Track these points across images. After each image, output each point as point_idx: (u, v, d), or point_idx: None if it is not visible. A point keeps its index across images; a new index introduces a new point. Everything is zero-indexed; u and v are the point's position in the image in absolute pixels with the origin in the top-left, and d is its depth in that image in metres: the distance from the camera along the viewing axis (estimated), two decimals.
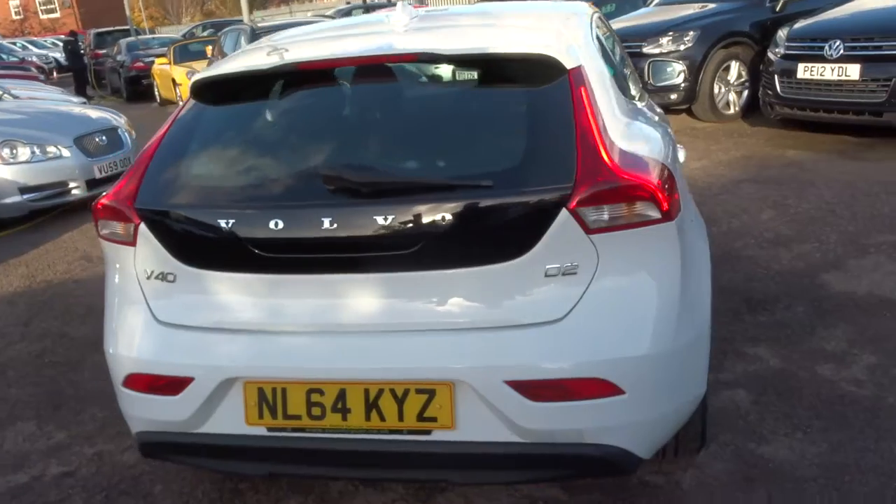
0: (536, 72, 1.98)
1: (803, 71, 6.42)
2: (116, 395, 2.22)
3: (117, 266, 2.16)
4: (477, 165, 1.92)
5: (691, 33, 7.54)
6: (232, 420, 1.99)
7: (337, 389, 1.91)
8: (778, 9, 8.02)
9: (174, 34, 27.04)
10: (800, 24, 6.81)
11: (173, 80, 13.36)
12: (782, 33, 6.85)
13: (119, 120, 7.26)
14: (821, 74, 6.27)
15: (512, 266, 1.82)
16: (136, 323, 2.09)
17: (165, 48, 16.95)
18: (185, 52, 14.08)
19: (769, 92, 6.79)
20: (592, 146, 1.83)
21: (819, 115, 6.43)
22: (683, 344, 1.91)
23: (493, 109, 2.04)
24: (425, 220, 1.81)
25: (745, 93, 7.80)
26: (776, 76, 6.63)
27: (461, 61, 2.04)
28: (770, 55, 6.90)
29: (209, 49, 13.91)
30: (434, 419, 1.87)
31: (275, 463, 2.05)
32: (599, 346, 1.81)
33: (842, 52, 6.11)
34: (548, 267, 1.82)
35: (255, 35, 9.30)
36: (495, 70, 2.04)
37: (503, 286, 1.85)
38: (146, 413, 2.10)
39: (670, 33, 7.62)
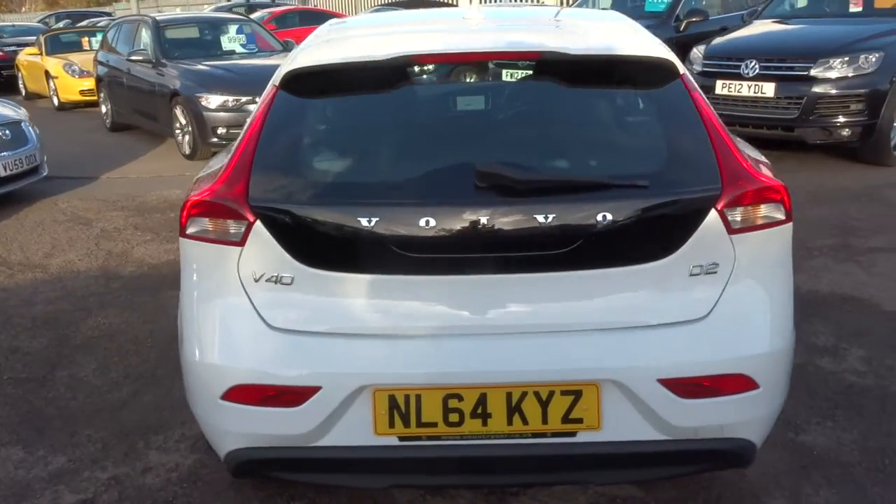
0: (654, 75, 2.02)
1: (721, 87, 6.90)
2: (201, 409, 2.03)
3: (212, 268, 1.98)
4: (627, 166, 1.93)
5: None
6: (357, 430, 1.88)
7: (477, 394, 1.85)
8: (682, 28, 8.62)
9: (19, 22, 24.98)
10: (716, 43, 7.32)
11: (47, 73, 12.29)
12: (698, 52, 7.33)
13: (20, 113, 6.61)
14: (738, 91, 6.77)
15: (660, 265, 1.85)
16: (241, 330, 1.93)
17: (24, 38, 15.59)
18: (58, 43, 13.01)
19: None
20: (727, 148, 1.90)
21: (735, 129, 6.93)
22: (793, 338, 2.02)
23: (623, 110, 2.06)
24: (584, 219, 1.80)
25: None
26: None
27: (584, 62, 2.04)
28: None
29: (86, 40, 12.98)
30: (580, 420, 1.85)
31: (401, 474, 1.96)
32: (740, 342, 1.88)
33: (758, 70, 6.63)
34: (692, 266, 1.86)
35: (159, 28, 8.75)
36: (614, 71, 2.06)
37: (652, 285, 1.87)
38: (252, 427, 1.94)
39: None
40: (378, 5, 15.17)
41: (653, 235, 1.85)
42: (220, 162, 2.21)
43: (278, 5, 18.57)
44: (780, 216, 1.92)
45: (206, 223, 1.96)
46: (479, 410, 1.85)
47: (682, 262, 1.86)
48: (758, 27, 7.61)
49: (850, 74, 6.32)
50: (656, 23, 8.52)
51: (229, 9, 16.94)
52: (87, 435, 2.92)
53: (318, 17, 16.96)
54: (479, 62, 2.08)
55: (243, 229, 1.89)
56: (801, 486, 2.46)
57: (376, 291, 1.87)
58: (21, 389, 3.29)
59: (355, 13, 19.41)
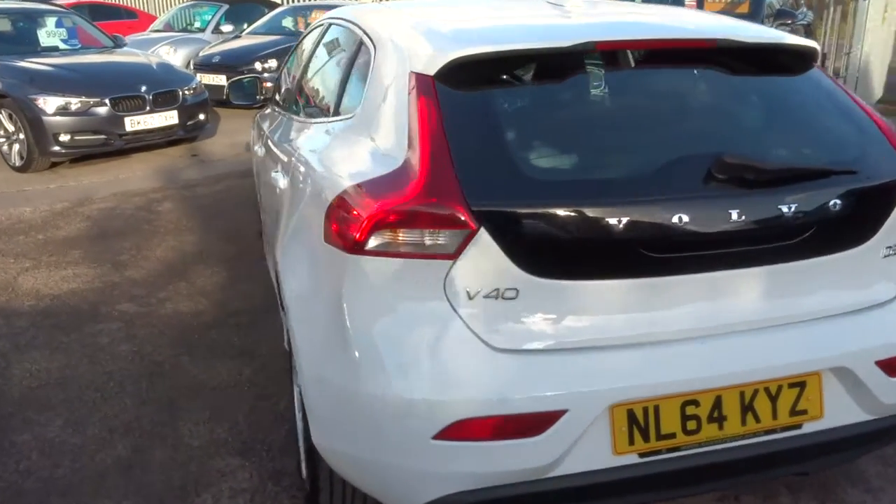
0: (804, 62, 2.04)
1: None
2: (394, 455, 1.70)
3: (407, 289, 1.68)
4: (832, 152, 1.92)
5: None
6: (595, 453, 1.69)
7: (713, 397, 1.74)
8: None
9: None
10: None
11: None
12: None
13: None
14: None
15: (865, 248, 1.87)
16: (457, 357, 1.64)
17: None
18: None
19: None
20: (891, 132, 1.96)
21: None
22: None
23: (797, 98, 2.04)
24: (818, 208, 1.77)
25: None
26: None
27: (756, 49, 2.00)
28: None
29: None
30: (804, 412, 1.82)
31: (643, 493, 1.79)
32: None
33: None
34: (886, 247, 1.90)
35: None
36: (778, 58, 2.05)
37: (861, 268, 1.88)
38: (476, 466, 1.66)
39: None
40: None
41: (861, 219, 1.86)
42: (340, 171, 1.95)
43: None
44: None
45: (401, 235, 1.65)
46: (715, 414, 1.75)
47: (880, 244, 1.89)
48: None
49: None
50: None
51: None
52: None
53: (111, 11, 15.54)
54: (659, 50, 1.97)
55: (460, 239, 1.61)
56: None
57: (619, 297, 1.69)
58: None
59: (147, 8, 17.95)
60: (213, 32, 11.75)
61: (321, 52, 3.09)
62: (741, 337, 1.78)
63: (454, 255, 1.63)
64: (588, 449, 1.68)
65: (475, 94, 1.83)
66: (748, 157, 1.78)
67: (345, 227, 1.74)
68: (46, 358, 3.36)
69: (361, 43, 2.40)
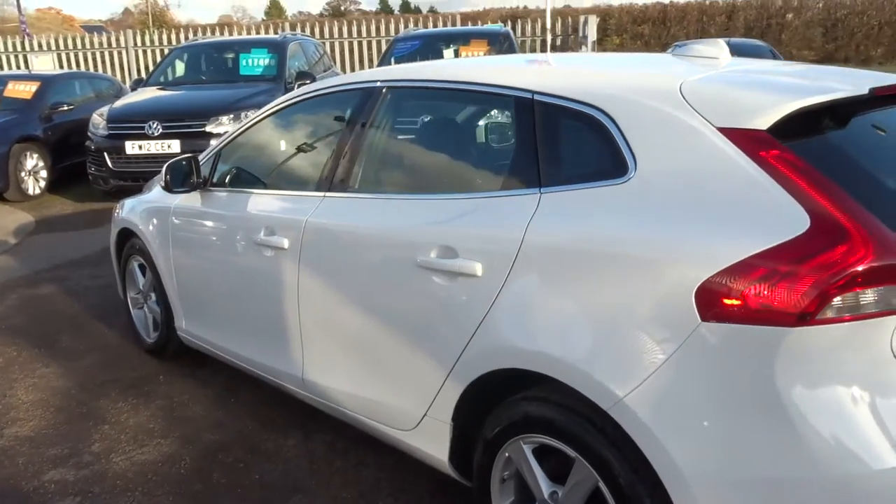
0: None
1: (130, 148, 7.82)
2: None
3: (852, 355, 1.60)
4: None
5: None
6: None
7: None
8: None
9: None
10: (116, 108, 8.34)
11: None
12: (99, 117, 8.22)
13: None
14: (147, 150, 7.80)
15: None
16: None
17: None
18: None
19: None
20: None
21: None
22: None
23: None
24: None
25: None
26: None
27: None
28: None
29: None
30: None
31: None
32: None
33: (161, 130, 7.75)
34: None
35: None
36: None
37: None
38: None
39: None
40: None
41: None
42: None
43: None
44: None
45: (865, 295, 1.56)
46: None
47: None
48: (148, 93, 8.92)
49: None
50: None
51: None
52: None
53: None
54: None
55: None
56: None
57: None
58: None
59: None
60: None
61: (407, 123, 2.87)
62: None
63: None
64: None
65: (811, 144, 1.84)
66: None
67: (772, 298, 1.59)
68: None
69: (532, 107, 2.18)
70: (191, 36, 15.85)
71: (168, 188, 3.36)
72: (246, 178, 3.34)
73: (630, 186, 1.88)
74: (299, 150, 3.23)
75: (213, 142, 7.52)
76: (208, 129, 7.76)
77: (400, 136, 2.85)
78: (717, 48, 2.43)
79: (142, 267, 4.05)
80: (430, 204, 2.36)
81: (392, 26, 16.29)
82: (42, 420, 3.47)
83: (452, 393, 2.21)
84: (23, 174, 8.70)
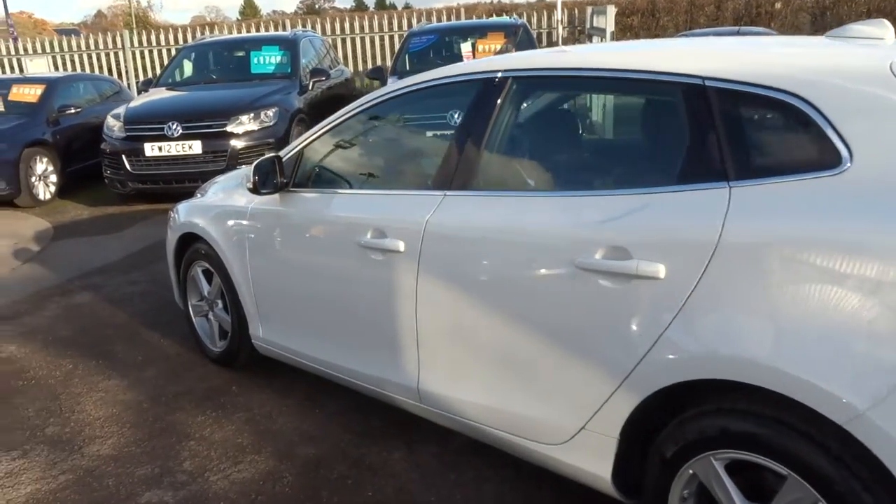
0: None
1: (150, 150, 7.66)
2: None
3: None
4: None
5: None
6: None
7: None
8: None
9: None
10: (132, 108, 8.19)
11: None
12: (114, 119, 8.06)
13: None
14: (167, 151, 7.64)
15: None
16: None
17: None
18: None
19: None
20: None
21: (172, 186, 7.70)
22: None
23: None
24: None
25: None
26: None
27: None
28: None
29: None
30: None
31: None
32: None
33: (181, 131, 7.60)
34: None
35: None
36: None
37: None
38: None
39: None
40: None
41: None
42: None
43: None
44: None
45: None
46: None
47: None
48: (162, 93, 8.73)
49: (257, 128, 7.70)
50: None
51: None
52: None
53: None
54: None
55: None
56: None
57: None
58: None
59: None
60: None
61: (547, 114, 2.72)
62: None
63: None
64: None
65: None
66: None
67: None
68: None
69: (706, 94, 2.02)
70: (190, 36, 15.53)
71: (256, 190, 3.17)
72: (337, 179, 3.17)
73: (847, 178, 1.74)
74: (405, 147, 3.06)
75: (234, 142, 7.62)
76: (229, 128, 7.61)
77: (535, 130, 2.68)
78: (883, 29, 2.24)
79: (206, 273, 3.87)
80: (587, 201, 2.18)
81: (386, 22, 15.98)
82: (121, 437, 3.28)
83: (625, 405, 2.06)
84: (33, 179, 8.46)
